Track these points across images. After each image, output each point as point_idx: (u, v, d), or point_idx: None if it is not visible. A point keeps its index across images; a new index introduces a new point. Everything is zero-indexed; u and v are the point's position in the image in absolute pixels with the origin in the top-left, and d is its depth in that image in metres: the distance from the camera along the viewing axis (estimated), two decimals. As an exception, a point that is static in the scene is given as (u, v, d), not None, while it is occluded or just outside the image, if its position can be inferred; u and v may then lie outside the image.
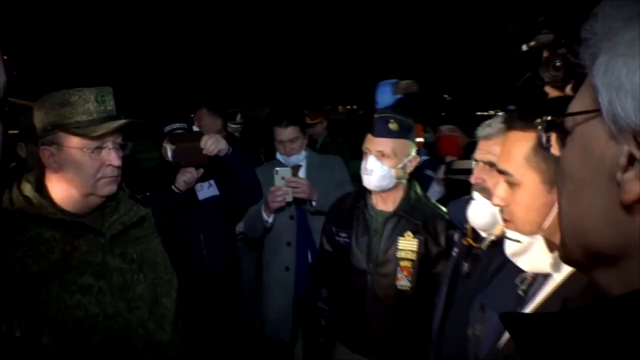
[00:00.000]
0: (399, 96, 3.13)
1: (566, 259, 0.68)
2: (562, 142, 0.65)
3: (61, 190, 1.69)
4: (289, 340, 3.38)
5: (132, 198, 1.87)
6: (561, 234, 0.66)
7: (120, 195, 1.82)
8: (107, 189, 1.71)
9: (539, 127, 0.68)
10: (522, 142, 1.34)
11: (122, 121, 1.72)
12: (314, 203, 3.22)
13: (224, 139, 3.10)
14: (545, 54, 1.28)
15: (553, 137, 0.69)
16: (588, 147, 0.58)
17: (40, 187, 1.70)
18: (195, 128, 3.47)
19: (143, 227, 1.89)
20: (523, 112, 1.38)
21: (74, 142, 1.65)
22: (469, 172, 2.89)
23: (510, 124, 1.40)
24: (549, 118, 0.67)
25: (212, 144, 2.95)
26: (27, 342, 1.55)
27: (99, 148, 1.68)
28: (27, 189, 1.65)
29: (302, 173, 3.38)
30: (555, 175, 0.68)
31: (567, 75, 1.48)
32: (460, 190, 2.97)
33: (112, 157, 1.70)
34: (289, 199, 3.16)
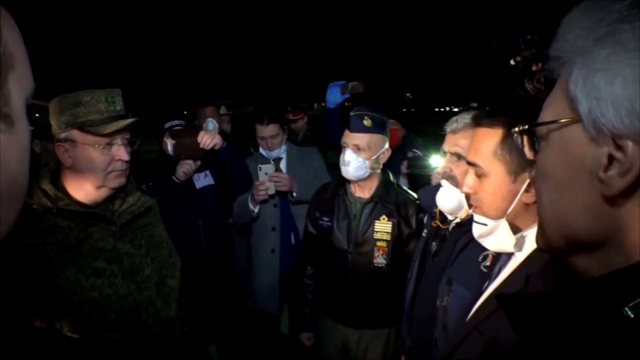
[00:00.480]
0: (346, 96, 3.18)
1: (546, 247, 0.69)
2: (533, 145, 0.68)
3: (75, 183, 1.66)
4: (276, 313, 3.40)
5: (139, 189, 1.84)
6: (542, 225, 0.68)
7: (129, 187, 1.79)
8: (117, 181, 1.69)
9: (515, 133, 0.70)
10: (489, 138, 1.35)
11: (130, 120, 1.69)
12: (294, 194, 3.24)
13: (219, 134, 3.08)
14: (533, 68, 1.27)
15: (525, 140, 0.70)
16: (568, 149, 0.60)
17: (56, 181, 1.67)
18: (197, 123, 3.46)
19: (149, 216, 1.87)
20: (490, 111, 1.38)
21: (86, 139, 1.62)
22: (427, 167, 2.93)
23: (478, 121, 1.41)
24: (525, 127, 0.68)
25: (208, 139, 2.94)
26: (48, 322, 1.52)
27: (109, 144, 1.66)
28: (44, 182, 1.63)
29: (283, 164, 3.38)
30: (534, 175, 0.69)
31: (547, 88, 1.50)
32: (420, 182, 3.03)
33: (121, 152, 1.68)
34: (272, 191, 3.17)
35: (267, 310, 3.39)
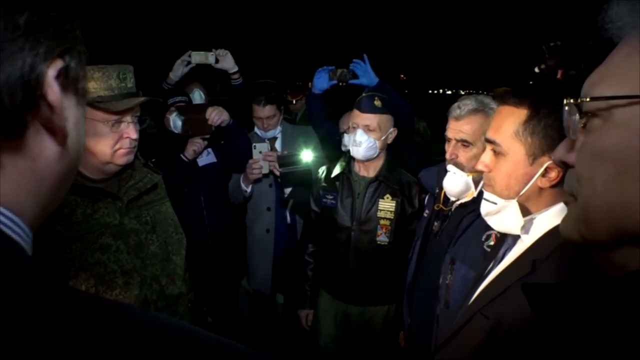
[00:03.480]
0: (333, 82, 3.16)
1: (584, 239, 0.62)
2: (584, 124, 0.60)
3: (82, 158, 1.61)
4: (269, 294, 3.40)
5: (146, 166, 1.80)
6: (586, 214, 0.60)
7: (136, 163, 1.75)
8: (125, 158, 1.64)
9: (566, 106, 0.62)
10: (512, 117, 1.31)
11: (142, 98, 1.64)
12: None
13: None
14: (559, 75, 1.24)
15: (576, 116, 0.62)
16: (636, 133, 0.53)
17: None
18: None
19: (155, 192, 1.83)
20: (517, 90, 1.35)
21: (96, 115, 1.57)
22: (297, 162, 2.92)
23: (504, 99, 1.37)
24: (585, 99, 0.59)
25: (216, 115, 2.92)
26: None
27: (119, 122, 1.60)
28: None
29: (278, 144, 3.36)
30: (577, 158, 0.61)
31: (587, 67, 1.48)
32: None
33: (130, 130, 1.62)
34: (265, 170, 3.13)
35: (261, 290, 3.39)
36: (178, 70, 3.15)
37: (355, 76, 3.06)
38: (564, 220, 0.66)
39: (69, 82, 0.51)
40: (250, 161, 3.09)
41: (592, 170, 0.58)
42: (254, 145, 3.09)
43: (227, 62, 3.25)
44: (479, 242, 1.95)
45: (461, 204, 2.08)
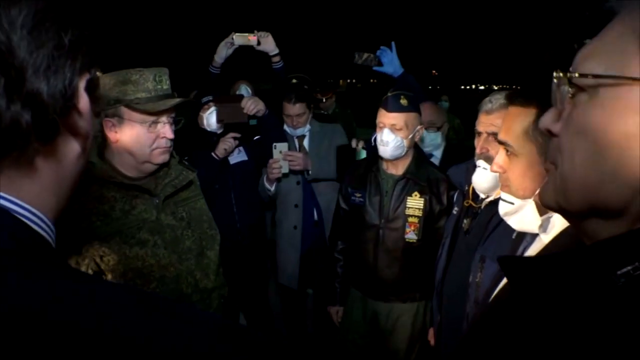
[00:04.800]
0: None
1: (559, 206, 0.64)
2: (572, 94, 0.60)
3: (120, 157, 1.68)
4: (296, 289, 3.45)
5: (181, 163, 1.86)
6: (563, 184, 0.62)
7: (172, 161, 1.81)
8: (161, 157, 1.71)
9: (555, 79, 0.62)
10: (522, 117, 1.33)
11: (177, 99, 1.71)
12: (310, 172, 3.25)
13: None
14: None
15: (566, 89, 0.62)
16: (626, 112, 0.53)
17: (102, 154, 1.70)
18: None
19: (191, 189, 1.90)
20: (524, 91, 1.36)
21: (133, 116, 1.64)
22: None
23: (512, 100, 1.39)
24: (575, 75, 0.59)
25: (252, 104, 2.96)
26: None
27: (155, 122, 1.67)
28: (91, 154, 1.65)
29: (305, 142, 3.38)
30: (561, 128, 0.62)
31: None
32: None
33: (166, 130, 1.69)
34: (285, 170, 3.16)
35: (289, 285, 3.44)
36: (222, 52, 3.21)
37: (380, 63, 3.03)
38: (544, 187, 0.67)
39: (92, 91, 0.58)
40: (270, 161, 3.13)
41: (574, 144, 0.59)
42: (274, 145, 3.12)
43: (269, 45, 3.29)
44: (508, 240, 1.94)
45: (491, 202, 2.08)
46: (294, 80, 3.84)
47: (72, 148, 0.57)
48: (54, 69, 0.50)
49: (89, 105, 0.58)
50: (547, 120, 0.66)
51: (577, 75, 0.58)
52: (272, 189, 3.24)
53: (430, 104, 3.32)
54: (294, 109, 3.23)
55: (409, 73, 3.04)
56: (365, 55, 3.09)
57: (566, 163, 0.61)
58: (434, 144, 3.25)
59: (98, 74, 0.60)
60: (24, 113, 0.47)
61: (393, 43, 3.02)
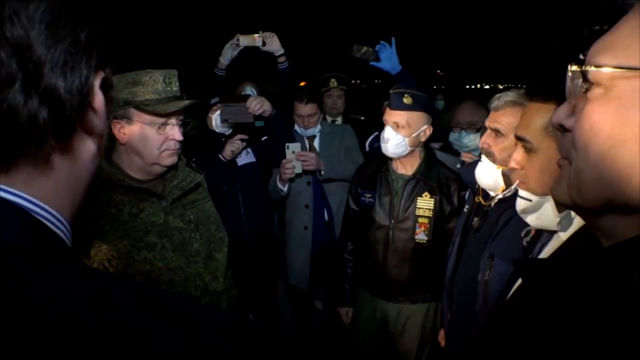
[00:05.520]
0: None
1: (574, 203, 0.63)
2: (586, 89, 0.59)
3: (128, 159, 1.68)
4: (306, 290, 3.45)
5: (188, 166, 1.86)
6: (578, 180, 0.61)
7: (179, 163, 1.81)
8: (170, 160, 1.70)
9: (569, 73, 0.62)
10: (541, 113, 1.31)
11: (187, 101, 1.70)
12: (322, 172, 3.25)
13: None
14: None
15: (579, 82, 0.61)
16: (636, 107, 0.53)
17: (109, 157, 1.69)
18: None
19: (198, 192, 1.89)
20: (544, 86, 1.35)
21: (143, 118, 1.64)
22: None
23: (532, 96, 1.37)
24: (589, 68, 0.58)
25: (258, 104, 2.97)
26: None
27: (164, 124, 1.67)
28: None
29: (316, 142, 3.39)
30: (579, 126, 0.60)
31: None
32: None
33: (175, 132, 1.69)
34: (298, 170, 3.16)
35: (298, 286, 3.44)
36: (227, 54, 3.24)
37: (378, 59, 2.99)
38: (556, 183, 0.66)
39: (107, 90, 0.58)
40: (283, 161, 3.13)
41: (588, 139, 0.58)
42: (287, 146, 3.12)
43: (274, 45, 3.31)
44: (518, 238, 1.93)
45: (500, 199, 2.07)
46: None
47: (87, 147, 0.57)
48: (71, 65, 0.50)
49: (104, 104, 0.58)
50: (561, 115, 0.65)
51: (592, 68, 0.57)
52: (285, 189, 3.24)
53: (470, 103, 3.23)
54: (305, 109, 3.24)
55: (410, 72, 3.01)
56: (364, 48, 3.04)
57: (581, 158, 0.59)
58: (472, 146, 3.09)
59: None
60: (42, 109, 0.47)
61: (393, 39, 2.99)
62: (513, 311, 1.25)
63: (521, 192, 1.42)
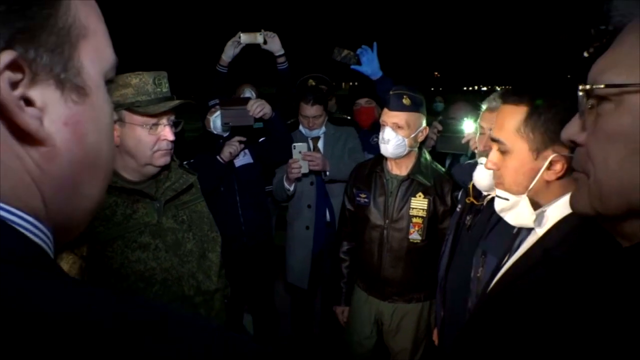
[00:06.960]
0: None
1: (596, 212, 0.66)
2: (592, 105, 0.63)
3: (122, 161, 1.69)
4: (306, 289, 3.45)
5: (181, 167, 1.88)
6: (599, 190, 0.64)
7: (172, 165, 1.82)
8: (162, 160, 1.72)
9: (581, 92, 0.65)
10: (513, 115, 1.34)
11: (177, 101, 1.72)
12: (327, 173, 3.26)
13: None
14: None
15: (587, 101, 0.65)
16: None
17: None
18: None
19: (191, 193, 1.90)
20: (516, 89, 1.38)
21: (134, 119, 1.65)
22: (459, 131, 2.79)
23: (505, 99, 1.40)
24: (599, 86, 0.62)
25: (258, 107, 2.98)
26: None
27: (156, 125, 1.68)
28: None
29: (320, 143, 3.40)
30: (588, 138, 0.65)
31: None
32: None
33: (167, 132, 1.70)
34: (305, 170, 3.17)
35: (299, 285, 3.45)
36: (229, 51, 3.25)
37: (359, 62, 3.00)
38: (574, 196, 0.69)
39: (37, 74, 0.45)
40: (290, 161, 3.14)
41: (606, 150, 0.62)
42: (294, 146, 3.13)
43: (275, 44, 3.33)
44: (509, 235, 1.95)
45: (492, 198, 2.09)
46: (311, 81, 3.83)
47: (28, 145, 0.47)
48: None
49: (12, 94, 0.43)
50: (571, 131, 0.69)
51: (602, 86, 0.62)
52: (292, 188, 3.26)
53: (461, 102, 3.40)
54: (311, 110, 3.25)
55: (410, 75, 3.06)
56: (345, 52, 3.06)
57: (600, 169, 0.63)
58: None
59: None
60: None
61: (375, 43, 3.01)
62: (496, 303, 1.27)
63: (499, 192, 1.45)
